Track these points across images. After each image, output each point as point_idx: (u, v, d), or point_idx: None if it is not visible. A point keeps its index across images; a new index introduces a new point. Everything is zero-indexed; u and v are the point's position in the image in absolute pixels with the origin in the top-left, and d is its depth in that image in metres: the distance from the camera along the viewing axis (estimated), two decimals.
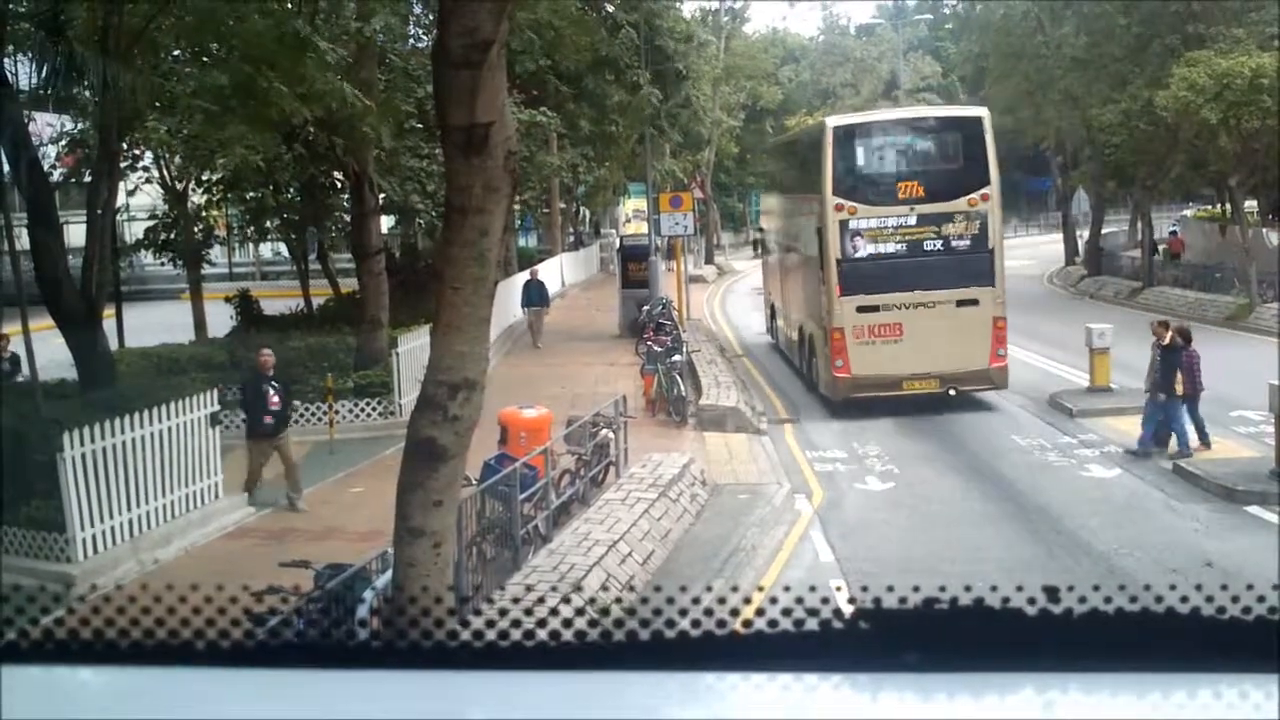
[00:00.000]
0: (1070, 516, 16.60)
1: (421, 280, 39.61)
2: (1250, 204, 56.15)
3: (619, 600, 2.12)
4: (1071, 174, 56.45)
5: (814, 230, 25.26)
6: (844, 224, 24.26)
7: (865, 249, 24.37)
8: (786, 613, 1.76)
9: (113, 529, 14.47)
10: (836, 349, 24.39)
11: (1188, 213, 64.67)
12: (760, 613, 1.78)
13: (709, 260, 63.16)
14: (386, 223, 48.47)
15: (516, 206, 65.31)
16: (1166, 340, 20.00)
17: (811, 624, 1.75)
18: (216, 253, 40.09)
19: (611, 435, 18.04)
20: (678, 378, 23.56)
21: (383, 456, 21.18)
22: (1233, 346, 32.12)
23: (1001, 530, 16.26)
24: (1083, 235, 54.99)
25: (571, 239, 64.78)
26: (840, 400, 24.66)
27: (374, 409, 23.16)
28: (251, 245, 49.47)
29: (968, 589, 1.80)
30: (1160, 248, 48.17)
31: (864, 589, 1.85)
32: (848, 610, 1.77)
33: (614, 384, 26.90)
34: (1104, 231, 56.93)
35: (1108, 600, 1.78)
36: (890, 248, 24.40)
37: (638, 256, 35.69)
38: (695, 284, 53.88)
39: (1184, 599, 1.78)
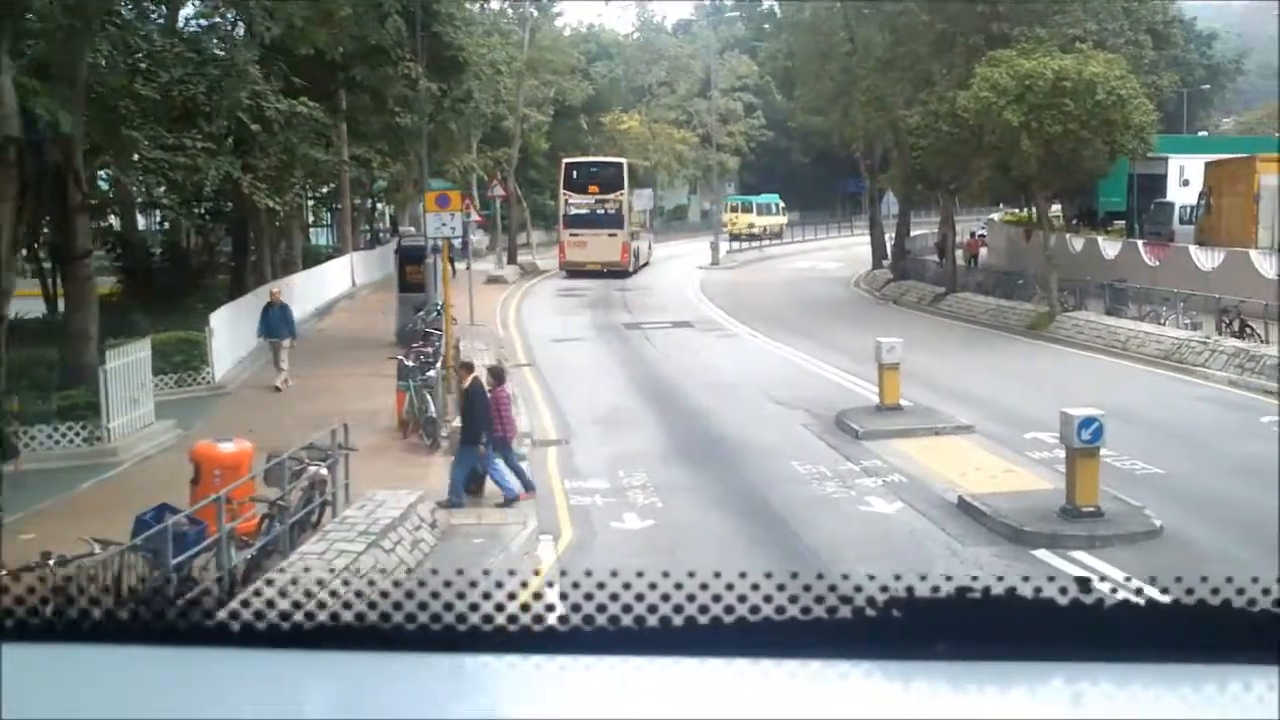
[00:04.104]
0: (841, 562, 14.67)
1: (179, 282, 36.80)
2: (1057, 208, 56.09)
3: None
4: (880, 176, 55.49)
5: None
6: (568, 200, 57.23)
7: (574, 211, 56.57)
8: (819, 600, 1.78)
9: None
10: (561, 250, 57.78)
11: (995, 216, 64.46)
12: (794, 600, 1.78)
13: (512, 260, 60.75)
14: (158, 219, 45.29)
15: (311, 202, 62.60)
16: (467, 382, 18.49)
17: (844, 611, 1.76)
18: None
19: (325, 472, 15.61)
20: (429, 396, 21.24)
21: (79, 491, 18.59)
22: (1033, 358, 30.99)
23: None
24: (892, 237, 54.06)
25: (368, 237, 61.89)
26: (563, 272, 56.39)
27: (77, 434, 20.32)
28: None
29: (1000, 579, 1.78)
30: (958, 251, 47.32)
31: (897, 578, 1.79)
32: (881, 598, 1.75)
33: (373, 400, 24.55)
34: (914, 234, 56.20)
35: (1138, 592, 1.82)
36: (584, 211, 56.23)
37: (416, 258, 33.24)
38: (494, 285, 51.78)
39: (1215, 590, 1.77)
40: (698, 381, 28.29)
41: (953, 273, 43.59)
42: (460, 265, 43.12)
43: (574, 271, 55.18)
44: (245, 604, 1.81)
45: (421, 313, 31.14)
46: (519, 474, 18.21)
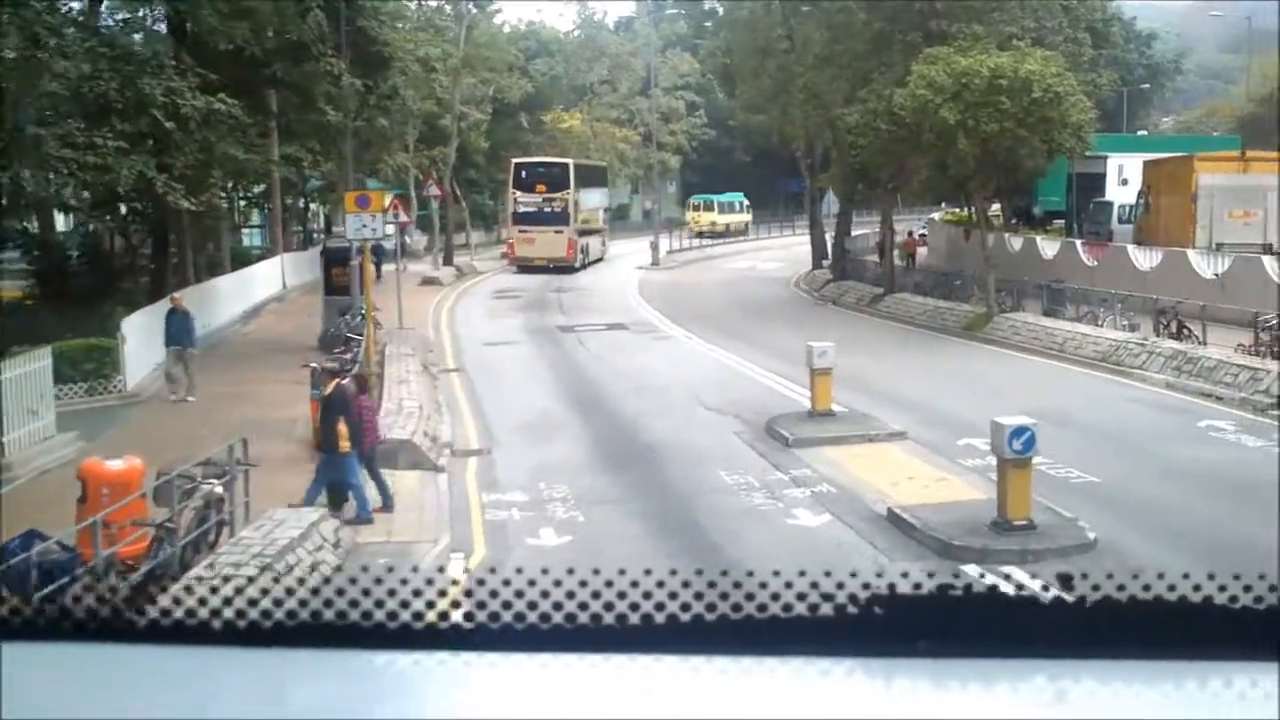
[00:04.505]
0: (761, 580, 14.00)
1: (101, 285, 35.75)
2: (997, 207, 55.82)
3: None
4: (820, 175, 54.98)
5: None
6: (516, 199, 59.68)
7: (523, 209, 59.00)
8: (801, 597, 1.77)
9: None
10: (510, 247, 60.50)
11: (935, 215, 64.21)
12: (775, 597, 1.76)
13: (448, 261, 59.86)
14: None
15: (243, 202, 61.42)
16: (329, 389, 17.40)
17: (826, 609, 1.75)
18: None
19: (220, 490, 14.77)
20: None
21: None
22: (969, 360, 30.50)
23: None
24: (833, 237, 53.60)
25: (301, 237, 60.82)
26: (513, 267, 58.98)
27: None
28: None
29: (982, 576, 2.19)
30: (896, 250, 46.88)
31: (879, 575, 1.78)
32: (862, 595, 1.75)
33: (293, 408, 23.66)
34: (855, 234, 55.77)
35: (1120, 588, 1.77)
36: (532, 209, 58.59)
37: (341, 260, 32.41)
38: (429, 286, 50.97)
39: (1196, 587, 1.76)
40: (629, 386, 27.62)
41: (891, 273, 43.12)
42: (390, 267, 42.53)
43: (524, 266, 58.16)
44: (176, 600, 1.80)
45: (346, 316, 30.32)
46: (381, 489, 17.29)
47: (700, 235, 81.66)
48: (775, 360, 29.35)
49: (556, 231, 58.57)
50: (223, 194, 50.37)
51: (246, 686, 1.73)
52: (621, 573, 1.79)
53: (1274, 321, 25.94)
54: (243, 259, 48.75)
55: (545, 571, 1.79)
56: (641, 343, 35.04)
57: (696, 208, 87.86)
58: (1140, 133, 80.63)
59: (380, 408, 23.01)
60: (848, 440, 20.77)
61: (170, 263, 36.05)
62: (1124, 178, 48.84)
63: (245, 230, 65.33)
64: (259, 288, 45.21)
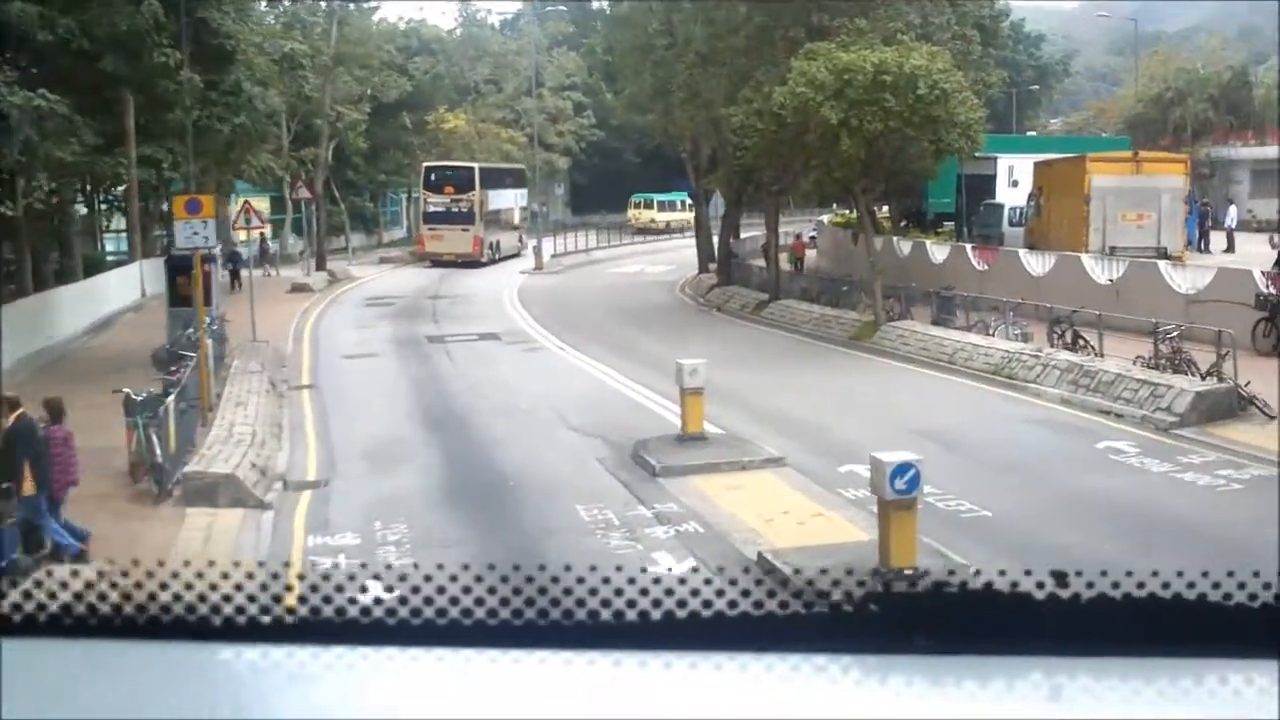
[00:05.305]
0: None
1: None
2: (887, 209, 54.62)
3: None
4: (706, 176, 53.34)
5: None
6: (428, 199, 64.46)
7: (432, 209, 63.81)
8: (797, 595, 1.78)
9: None
10: (419, 243, 65.70)
11: (824, 218, 62.98)
12: (771, 594, 1.76)
13: (321, 266, 57.33)
14: None
15: (104, 206, 58.45)
16: (11, 419, 15.11)
17: (821, 606, 1.75)
18: None
19: None
20: (154, 436, 18.21)
21: None
22: (854, 374, 28.81)
23: None
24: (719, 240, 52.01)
25: (165, 242, 57.95)
26: (424, 260, 63.13)
27: None
28: None
29: (977, 573, 1.81)
30: (783, 254, 45.39)
31: (876, 572, 1.78)
32: (858, 592, 1.75)
33: (117, 434, 21.36)
34: (745, 236, 54.24)
35: (1115, 585, 1.75)
36: (440, 209, 63.33)
37: (186, 268, 30.01)
38: (298, 294, 48.62)
39: (1190, 585, 1.75)
40: (492, 404, 25.65)
41: (776, 279, 41.50)
42: (249, 274, 40.12)
43: (434, 261, 62.55)
44: (27, 595, 1.79)
45: (190, 330, 27.99)
46: (69, 535, 15.23)
47: (641, 232, 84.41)
48: (650, 373, 27.51)
49: (463, 229, 62.84)
50: (79, 196, 47.69)
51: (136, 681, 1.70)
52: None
53: (1175, 332, 24.52)
54: (96, 266, 45.94)
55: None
56: (512, 355, 33.08)
57: (637, 205, 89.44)
58: (1030, 133, 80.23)
59: (210, 433, 20.97)
60: (720, 468, 18.95)
61: (5, 270, 33.38)
62: (1014, 179, 47.82)
63: (109, 235, 62.33)
64: (113, 296, 42.49)
